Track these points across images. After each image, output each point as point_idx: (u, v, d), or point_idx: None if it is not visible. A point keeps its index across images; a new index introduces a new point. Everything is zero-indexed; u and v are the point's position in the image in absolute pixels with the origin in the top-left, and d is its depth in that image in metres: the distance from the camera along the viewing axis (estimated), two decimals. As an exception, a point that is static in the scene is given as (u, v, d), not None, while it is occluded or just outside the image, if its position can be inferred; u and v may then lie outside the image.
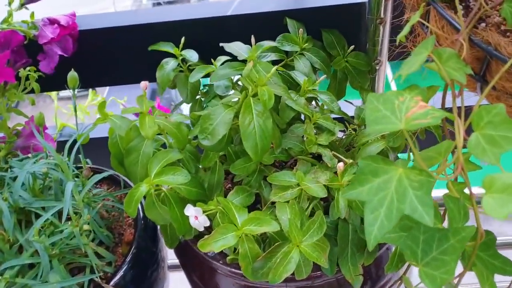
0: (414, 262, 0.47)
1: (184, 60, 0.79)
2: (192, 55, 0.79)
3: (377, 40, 0.80)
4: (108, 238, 0.74)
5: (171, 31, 0.85)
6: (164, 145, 0.73)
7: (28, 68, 0.76)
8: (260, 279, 0.59)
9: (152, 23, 0.86)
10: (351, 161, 0.66)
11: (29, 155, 0.74)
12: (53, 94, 1.00)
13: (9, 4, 0.77)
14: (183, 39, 0.79)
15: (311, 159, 0.70)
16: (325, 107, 0.76)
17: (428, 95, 0.63)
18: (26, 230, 0.67)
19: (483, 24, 0.53)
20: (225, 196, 0.72)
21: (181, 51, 0.79)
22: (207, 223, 0.61)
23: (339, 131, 0.73)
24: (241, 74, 0.69)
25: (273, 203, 0.65)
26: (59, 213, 0.67)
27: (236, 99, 0.68)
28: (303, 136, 0.72)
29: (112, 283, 0.68)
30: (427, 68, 0.50)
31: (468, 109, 0.49)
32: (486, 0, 0.53)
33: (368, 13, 0.78)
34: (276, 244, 0.59)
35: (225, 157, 0.73)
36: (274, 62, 0.77)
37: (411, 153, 0.72)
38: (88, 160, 0.77)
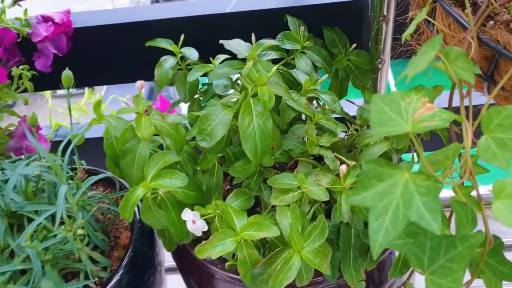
0: (420, 270, 0.45)
1: (183, 58, 0.77)
2: (192, 53, 0.77)
3: (380, 38, 0.78)
4: (104, 242, 0.72)
5: (170, 28, 0.83)
6: (161, 146, 0.70)
7: (21, 67, 0.74)
8: (260, 286, 0.57)
9: (150, 21, 0.84)
10: (353, 163, 0.64)
11: (22, 156, 0.72)
12: (48, 93, 0.98)
13: (2, 1, 0.75)
14: (182, 36, 0.77)
15: (312, 160, 0.68)
16: (326, 107, 0.74)
17: (433, 95, 0.61)
18: (18, 234, 0.65)
19: (492, 22, 0.51)
20: (224, 199, 0.70)
21: (180, 48, 0.77)
22: (205, 228, 0.59)
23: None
24: (240, 73, 0.67)
25: (273, 206, 0.63)
26: (53, 217, 0.65)
27: (235, 99, 0.66)
28: (304, 137, 0.69)
29: (107, 288, 0.67)
30: (433, 68, 0.48)
31: (475, 110, 0.47)
32: (495, -3, 0.51)
33: (371, 11, 0.76)
34: (276, 249, 0.57)
35: (224, 158, 0.71)
36: (274, 61, 0.75)
37: (415, 154, 0.70)
38: (83, 161, 0.75)
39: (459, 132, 0.54)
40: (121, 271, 0.70)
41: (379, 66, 0.81)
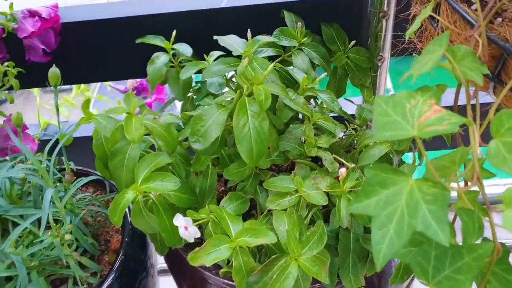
0: (424, 280, 0.43)
1: (175, 55, 0.74)
2: (185, 49, 0.74)
3: (380, 35, 0.75)
4: (93, 246, 0.70)
5: (163, 23, 0.81)
6: (153, 146, 0.68)
7: (6, 64, 0.71)
8: (255, 294, 0.55)
9: (142, 15, 0.81)
10: (353, 165, 0.61)
11: (7, 157, 0.69)
12: (36, 90, 0.95)
13: (-14, -6, 0.72)
14: (174, 32, 0.74)
15: (310, 162, 0.65)
16: (324, 106, 0.72)
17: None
18: (3, 239, 0.62)
19: (499, 19, 0.48)
20: (218, 201, 0.68)
21: (172, 44, 0.74)
22: (198, 235, 0.56)
23: (338, 131, 0.69)
24: (235, 71, 0.65)
25: (269, 210, 0.61)
26: (39, 221, 0.62)
27: (230, 98, 0.63)
28: (301, 138, 0.67)
29: (97, 295, 0.64)
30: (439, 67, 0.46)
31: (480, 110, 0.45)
32: (503, -7, 0.49)
33: (371, 6, 0.73)
34: (273, 257, 0.55)
35: (218, 159, 0.69)
36: (270, 58, 0.73)
37: (416, 154, 0.68)
38: (71, 162, 0.72)
39: (462, 133, 0.52)
40: (112, 276, 0.68)
41: (379, 64, 0.78)
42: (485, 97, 0.54)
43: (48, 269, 0.62)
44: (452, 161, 0.42)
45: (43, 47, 0.74)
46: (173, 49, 0.74)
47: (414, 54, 0.71)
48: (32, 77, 0.76)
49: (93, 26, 0.82)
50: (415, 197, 0.39)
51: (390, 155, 0.67)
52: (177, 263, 0.72)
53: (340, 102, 0.73)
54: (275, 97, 0.65)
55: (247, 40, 0.67)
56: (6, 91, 0.75)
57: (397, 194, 0.39)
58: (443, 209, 0.38)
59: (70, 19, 0.80)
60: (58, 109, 0.71)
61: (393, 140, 0.63)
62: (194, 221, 0.57)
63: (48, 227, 0.62)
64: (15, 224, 0.62)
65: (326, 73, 0.72)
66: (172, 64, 0.74)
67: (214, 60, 0.69)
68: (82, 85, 1.03)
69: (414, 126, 0.39)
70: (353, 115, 0.76)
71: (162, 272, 1.02)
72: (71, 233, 0.62)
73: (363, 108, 0.74)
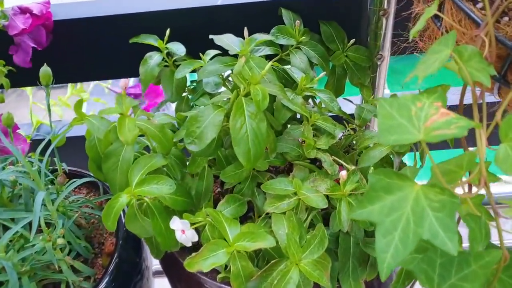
0: (429, 289, 0.42)
1: (169, 54, 0.73)
2: (178, 48, 0.72)
3: (380, 34, 0.74)
4: (87, 249, 0.68)
5: (157, 22, 0.79)
6: (147, 147, 0.66)
7: (-4, 62, 0.69)
8: (254, 301, 0.53)
9: (135, 13, 0.79)
10: (353, 167, 0.60)
11: (-2, 158, 0.67)
12: (28, 89, 0.93)
13: (-25, -9, 0.69)
14: (168, 31, 0.72)
15: (309, 164, 0.64)
16: (322, 105, 0.70)
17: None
18: (-7, 244, 0.60)
19: (506, 18, 0.47)
20: (215, 202, 0.66)
21: (166, 43, 0.72)
22: (196, 239, 0.55)
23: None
24: (232, 70, 0.63)
25: (267, 213, 0.59)
26: (31, 225, 0.60)
27: (226, 98, 0.61)
28: (300, 139, 0.65)
29: (90, 300, 0.62)
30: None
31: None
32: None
33: (371, 4, 0.72)
34: (272, 262, 0.53)
35: (215, 160, 0.67)
36: (268, 57, 0.71)
37: (417, 155, 0.66)
38: (64, 164, 0.70)
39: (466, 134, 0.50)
40: (106, 280, 0.66)
41: (378, 63, 0.77)
42: (487, 97, 0.52)
43: (40, 274, 0.60)
44: (459, 165, 0.40)
45: (34, 45, 0.72)
46: (166, 48, 0.72)
47: (415, 53, 0.70)
48: (24, 76, 0.74)
49: (86, 24, 0.80)
50: (421, 204, 0.37)
51: (391, 156, 0.65)
52: (173, 266, 0.70)
53: (338, 101, 0.72)
54: (272, 97, 0.64)
55: (243, 38, 0.66)
56: (-3, 90, 0.73)
57: (402, 201, 0.38)
58: (451, 217, 0.36)
59: (63, 16, 0.78)
60: (50, 109, 0.69)
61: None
62: (191, 224, 0.56)
63: (40, 231, 0.60)
64: (6, 228, 0.60)
65: (325, 73, 0.70)
66: (166, 64, 0.73)
67: (210, 59, 0.68)
68: (78, 85, 1.01)
69: (421, 130, 0.37)
70: (351, 115, 0.74)
71: (157, 273, 1.00)
72: (63, 237, 0.60)
73: (363, 108, 0.72)
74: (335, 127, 0.64)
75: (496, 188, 1.22)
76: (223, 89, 0.71)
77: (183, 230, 0.55)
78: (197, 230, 0.57)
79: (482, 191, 0.42)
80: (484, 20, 0.45)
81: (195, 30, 0.78)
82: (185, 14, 0.79)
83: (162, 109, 0.80)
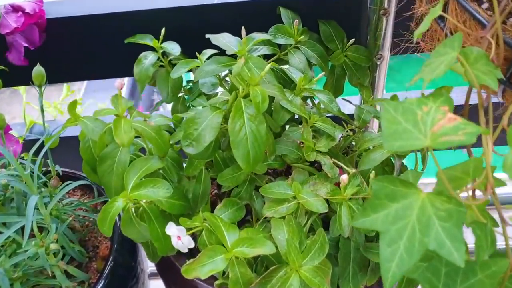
0: (434, 298, 0.41)
1: (164, 54, 0.71)
2: (173, 48, 0.71)
3: (380, 33, 0.73)
4: (81, 254, 0.67)
5: (152, 20, 0.77)
6: (143, 149, 0.64)
7: (-12, 62, 0.67)
8: (253, 308, 0.52)
9: (130, 11, 0.77)
10: (353, 170, 0.59)
11: (-11, 161, 0.65)
12: (22, 88, 0.91)
13: (-34, -12, 0.68)
14: (163, 30, 0.71)
15: (309, 167, 0.62)
16: (321, 106, 0.69)
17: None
18: (-16, 249, 0.59)
19: (512, 19, 0.46)
20: (212, 205, 0.65)
21: (161, 43, 0.71)
22: (192, 245, 0.53)
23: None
24: (230, 71, 0.62)
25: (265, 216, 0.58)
26: (23, 230, 0.59)
27: (224, 99, 0.60)
28: (301, 142, 0.64)
29: (84, 306, 0.61)
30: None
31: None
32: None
33: (371, 3, 0.70)
34: (271, 268, 0.52)
35: (212, 162, 0.65)
36: (265, 56, 0.70)
37: (419, 157, 0.65)
38: (57, 166, 0.68)
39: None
40: (101, 284, 0.65)
41: (378, 63, 0.76)
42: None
43: (32, 280, 0.59)
44: (465, 171, 0.39)
45: (26, 44, 0.70)
46: (161, 47, 0.70)
47: (416, 53, 0.69)
48: (17, 75, 0.72)
49: (80, 23, 0.78)
50: (427, 213, 0.36)
51: (391, 158, 0.64)
52: (169, 270, 0.69)
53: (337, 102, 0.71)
54: (271, 99, 0.62)
55: (241, 38, 0.64)
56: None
57: (407, 209, 0.37)
58: (458, 227, 0.35)
59: (56, 14, 0.76)
60: (43, 110, 0.67)
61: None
62: (188, 229, 0.54)
63: (33, 235, 0.59)
64: (-3, 233, 0.59)
65: (324, 73, 0.69)
66: (162, 64, 0.71)
67: (207, 59, 0.66)
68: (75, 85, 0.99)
69: (427, 135, 0.36)
70: (350, 115, 0.73)
71: (152, 275, 0.99)
72: (57, 241, 0.59)
73: (362, 109, 0.71)
74: (334, 129, 0.63)
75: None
76: (219, 89, 0.70)
77: (179, 236, 0.54)
78: (193, 235, 0.56)
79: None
80: (491, 21, 0.44)
81: (190, 29, 0.77)
82: (181, 12, 0.77)
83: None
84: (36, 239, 0.57)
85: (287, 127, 0.69)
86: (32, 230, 0.57)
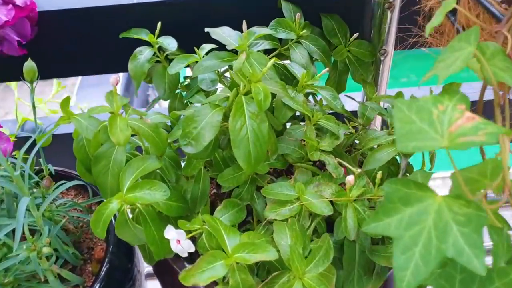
0: (448, 307, 0.38)
1: (161, 49, 0.69)
2: (170, 43, 0.68)
3: (384, 28, 0.70)
4: (75, 256, 0.64)
5: (148, 14, 0.74)
6: (139, 148, 0.62)
7: (-24, 57, 0.65)
8: (255, 315, 0.50)
9: (126, 4, 0.75)
10: (359, 170, 0.56)
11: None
12: (13, 84, 0.88)
13: (-47, -20, 0.65)
14: (159, 24, 0.68)
15: (312, 167, 0.60)
16: (324, 102, 0.66)
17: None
18: (-27, 254, 0.56)
19: (528, 12, 0.43)
20: (211, 205, 0.63)
21: (157, 38, 0.68)
22: (192, 249, 0.51)
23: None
24: (229, 66, 0.59)
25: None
26: (14, 232, 0.56)
27: (224, 96, 0.58)
28: (302, 140, 0.62)
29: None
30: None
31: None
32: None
33: (375, -4, 0.68)
34: (274, 274, 0.50)
35: (211, 161, 0.63)
36: (266, 51, 0.67)
37: (426, 156, 0.63)
38: (50, 165, 0.66)
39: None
40: (96, 288, 0.62)
41: (382, 58, 0.73)
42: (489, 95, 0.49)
43: (24, 285, 0.56)
44: (482, 173, 0.37)
45: (18, 38, 0.68)
46: (157, 42, 0.68)
47: (423, 48, 0.66)
48: (8, 71, 0.70)
49: (73, 16, 0.75)
50: (445, 218, 0.34)
51: (397, 157, 0.62)
52: (166, 272, 0.67)
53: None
54: (272, 96, 0.60)
55: (241, 32, 0.62)
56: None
57: (423, 213, 0.35)
58: (478, 232, 0.33)
59: (48, 7, 0.74)
60: (34, 107, 0.64)
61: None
62: (187, 232, 0.52)
63: (24, 238, 0.56)
64: (-13, 236, 0.56)
65: (327, 69, 0.67)
66: (158, 59, 0.68)
67: (206, 54, 0.64)
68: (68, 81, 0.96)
69: (444, 135, 0.34)
70: (352, 112, 0.71)
71: (149, 276, 0.97)
72: (49, 244, 0.56)
73: (366, 106, 0.69)
74: (339, 127, 0.61)
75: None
76: (219, 86, 0.67)
77: (178, 240, 0.51)
78: (193, 237, 0.54)
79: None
80: (506, 15, 0.42)
81: (188, 23, 0.74)
82: (178, 5, 0.75)
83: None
84: (27, 242, 0.55)
85: (288, 125, 0.67)
86: (23, 233, 0.54)
